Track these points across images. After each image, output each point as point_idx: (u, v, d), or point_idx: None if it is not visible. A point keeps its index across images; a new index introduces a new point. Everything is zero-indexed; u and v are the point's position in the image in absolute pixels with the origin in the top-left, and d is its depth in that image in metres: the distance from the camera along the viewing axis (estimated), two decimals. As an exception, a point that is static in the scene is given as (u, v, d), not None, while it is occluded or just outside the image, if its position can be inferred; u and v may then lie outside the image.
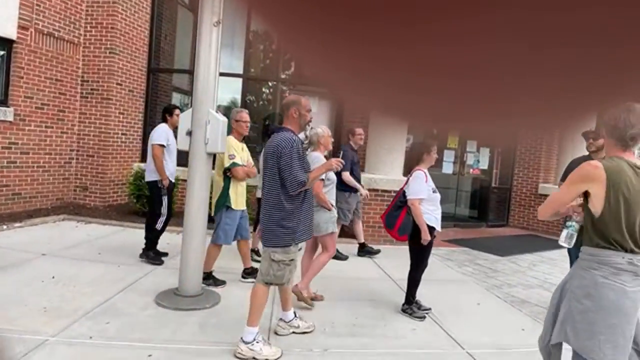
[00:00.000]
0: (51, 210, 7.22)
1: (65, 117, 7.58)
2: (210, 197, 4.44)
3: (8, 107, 6.57)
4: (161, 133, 5.11)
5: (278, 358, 3.16)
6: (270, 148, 3.25)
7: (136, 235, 6.47)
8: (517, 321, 4.30)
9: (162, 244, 5.92)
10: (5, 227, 6.02)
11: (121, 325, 3.46)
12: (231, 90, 9.06)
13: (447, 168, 9.79)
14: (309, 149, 4.74)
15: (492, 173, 10.46)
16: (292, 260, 3.26)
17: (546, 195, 9.89)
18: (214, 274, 4.60)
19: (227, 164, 4.38)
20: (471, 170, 10.31)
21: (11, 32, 6.48)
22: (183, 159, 4.73)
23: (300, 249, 3.58)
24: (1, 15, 6.30)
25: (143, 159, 8.75)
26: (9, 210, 6.68)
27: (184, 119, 4.20)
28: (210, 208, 4.43)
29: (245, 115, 4.66)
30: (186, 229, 4.15)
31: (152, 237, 5.20)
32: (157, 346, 3.16)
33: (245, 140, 4.84)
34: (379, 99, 0.31)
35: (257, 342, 3.13)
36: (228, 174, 4.42)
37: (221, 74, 4.41)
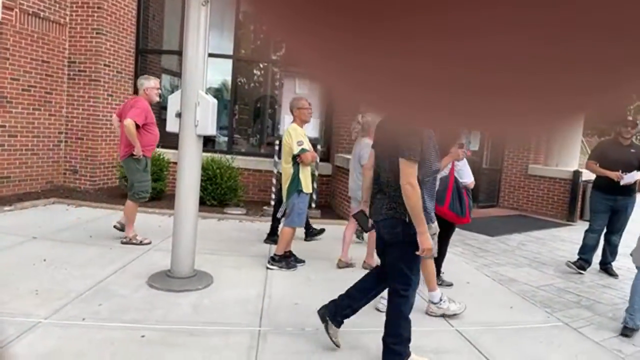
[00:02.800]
0: (41, 194, 7.17)
1: (52, 99, 7.47)
2: (280, 185, 4.89)
3: (-6, 89, 6.46)
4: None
5: (463, 311, 3.71)
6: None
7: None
8: (505, 299, 4.38)
9: (154, 227, 5.92)
10: (-6, 210, 5.98)
11: (114, 306, 3.47)
12: (221, 72, 8.96)
13: (439, 149, 9.83)
14: (359, 136, 4.85)
15: (482, 154, 10.51)
16: (432, 234, 3.49)
17: (535, 176, 9.99)
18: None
19: (296, 151, 4.53)
20: (462, 151, 10.35)
21: (-5, 12, 6.34)
22: (173, 141, 4.70)
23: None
24: (-16, -6, 6.16)
25: (133, 141, 8.67)
26: (-2, 194, 6.63)
27: (172, 101, 4.16)
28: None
29: (306, 102, 4.76)
30: (177, 211, 4.15)
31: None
32: (149, 327, 3.18)
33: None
34: (370, 92, 0.31)
35: (444, 302, 3.69)
36: (298, 160, 4.57)
37: (210, 55, 4.35)
